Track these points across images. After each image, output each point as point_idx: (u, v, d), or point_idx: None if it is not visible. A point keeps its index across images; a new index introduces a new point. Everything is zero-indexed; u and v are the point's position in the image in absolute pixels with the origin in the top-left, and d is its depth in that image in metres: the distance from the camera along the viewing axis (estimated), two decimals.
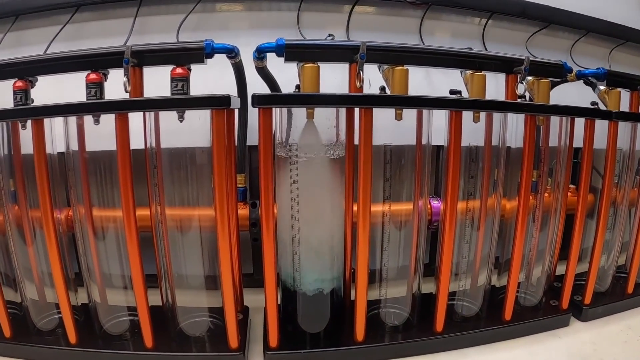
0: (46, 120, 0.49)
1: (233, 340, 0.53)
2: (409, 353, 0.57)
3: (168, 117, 0.50)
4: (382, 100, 0.51)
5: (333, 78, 0.54)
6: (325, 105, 0.51)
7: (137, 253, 0.51)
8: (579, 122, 0.61)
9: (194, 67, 0.50)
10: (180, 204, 0.54)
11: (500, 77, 0.58)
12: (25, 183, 0.54)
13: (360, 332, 0.55)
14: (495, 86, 0.59)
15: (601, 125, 0.61)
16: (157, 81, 0.50)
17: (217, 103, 0.47)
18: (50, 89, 0.51)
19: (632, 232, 0.71)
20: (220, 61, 0.53)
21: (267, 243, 0.51)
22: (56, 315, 0.57)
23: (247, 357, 0.56)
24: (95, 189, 0.54)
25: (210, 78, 0.55)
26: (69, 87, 0.52)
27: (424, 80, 0.73)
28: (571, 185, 0.74)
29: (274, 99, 0.50)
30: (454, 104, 0.52)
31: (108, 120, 0.48)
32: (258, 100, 0.47)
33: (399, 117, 0.51)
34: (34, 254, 0.55)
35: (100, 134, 0.50)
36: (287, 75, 0.58)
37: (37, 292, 0.57)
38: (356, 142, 0.52)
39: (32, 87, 0.51)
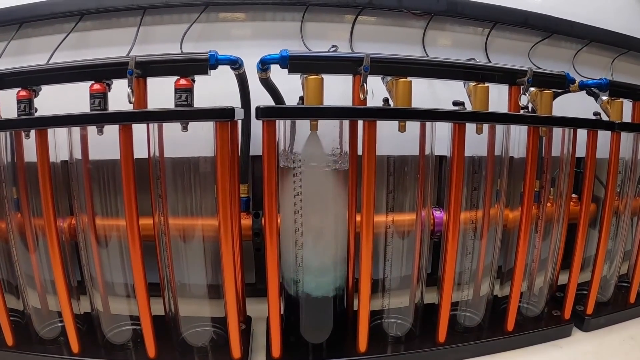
0: (49, 129, 0.49)
1: (236, 351, 0.53)
2: None
3: (171, 126, 0.50)
4: (386, 113, 0.51)
5: (335, 89, 0.54)
6: (330, 118, 0.51)
7: (140, 262, 0.51)
8: (582, 131, 0.61)
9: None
10: (184, 213, 0.54)
11: (503, 85, 0.58)
12: (29, 191, 0.54)
13: (362, 342, 0.55)
14: (497, 94, 0.59)
15: (603, 134, 0.62)
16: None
17: (221, 115, 0.47)
18: (52, 88, 0.51)
19: (634, 242, 0.71)
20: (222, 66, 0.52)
21: (271, 254, 0.51)
22: (58, 323, 0.57)
23: None
24: (99, 198, 0.54)
25: (213, 82, 0.55)
26: (71, 88, 0.51)
27: (426, 90, 0.73)
28: (573, 195, 0.74)
29: (279, 111, 0.50)
30: (457, 117, 0.52)
31: (112, 128, 0.48)
32: (262, 112, 0.47)
33: (402, 129, 0.52)
34: (36, 262, 0.55)
35: (104, 142, 0.50)
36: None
37: (40, 300, 0.57)
38: (359, 152, 0.52)
39: (35, 97, 0.51)
